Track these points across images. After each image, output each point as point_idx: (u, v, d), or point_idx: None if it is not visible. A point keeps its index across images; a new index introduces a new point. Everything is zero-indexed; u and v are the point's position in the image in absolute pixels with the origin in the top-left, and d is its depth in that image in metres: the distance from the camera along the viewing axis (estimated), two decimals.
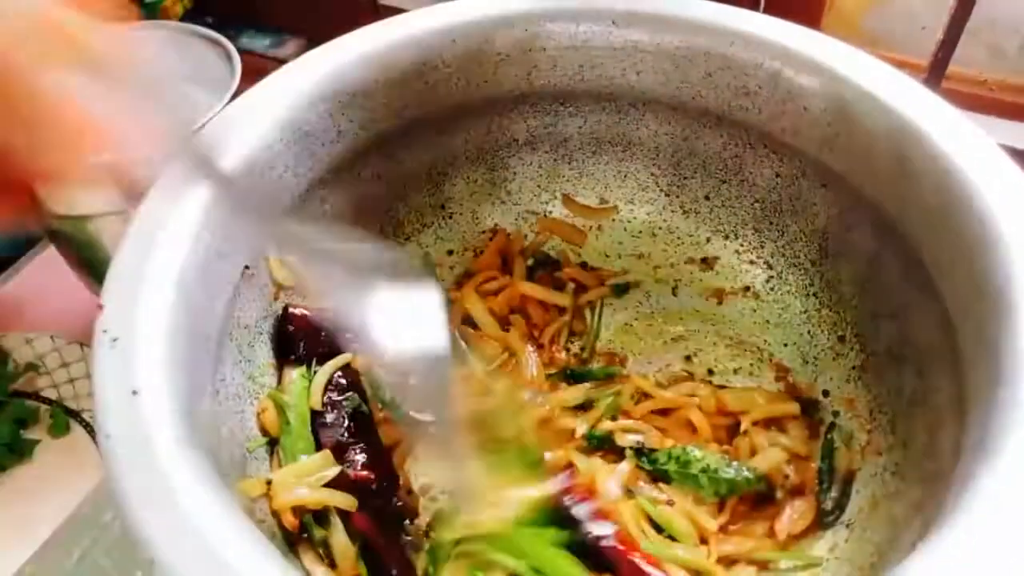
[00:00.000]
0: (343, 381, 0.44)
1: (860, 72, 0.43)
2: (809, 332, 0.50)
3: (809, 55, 0.44)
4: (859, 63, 0.43)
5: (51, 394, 0.70)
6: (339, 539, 0.39)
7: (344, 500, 0.40)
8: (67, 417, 0.68)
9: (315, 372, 0.44)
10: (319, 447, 0.42)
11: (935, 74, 0.66)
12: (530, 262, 0.55)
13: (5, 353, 0.71)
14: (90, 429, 0.68)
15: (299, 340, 0.45)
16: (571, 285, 0.54)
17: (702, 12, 0.47)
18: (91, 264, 0.61)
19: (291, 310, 0.45)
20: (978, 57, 0.69)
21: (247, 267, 0.41)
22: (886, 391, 0.44)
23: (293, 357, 0.44)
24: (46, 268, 0.84)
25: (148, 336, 0.32)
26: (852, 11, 0.70)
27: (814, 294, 0.50)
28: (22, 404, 0.69)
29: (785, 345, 0.50)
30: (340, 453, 0.42)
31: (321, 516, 0.40)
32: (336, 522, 0.39)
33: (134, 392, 0.30)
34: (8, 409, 0.68)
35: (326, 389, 0.43)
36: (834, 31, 0.65)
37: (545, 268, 0.54)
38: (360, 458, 0.42)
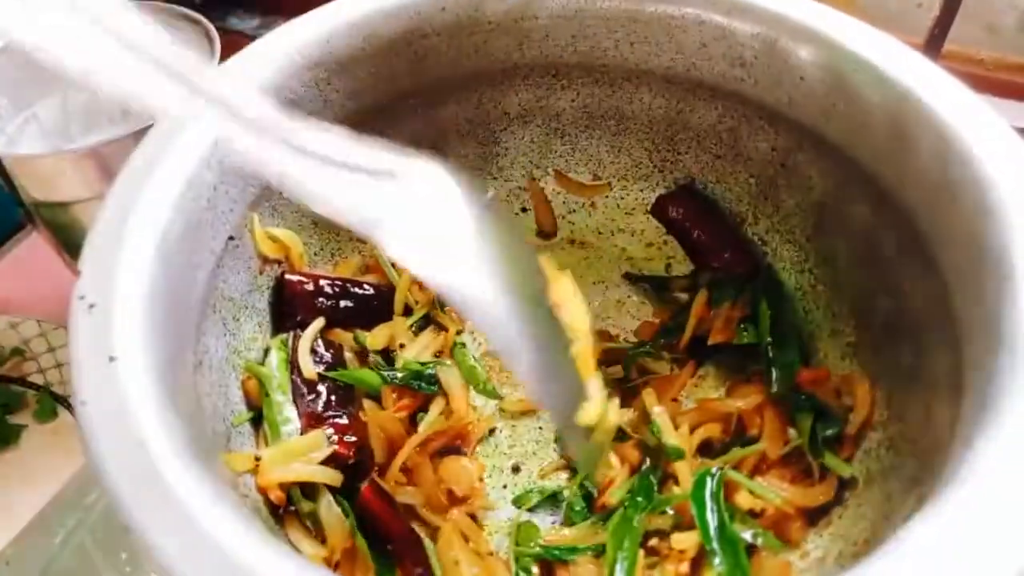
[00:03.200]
0: (327, 353, 0.44)
1: (858, 41, 0.42)
2: (804, 309, 0.49)
3: (805, 24, 0.43)
4: (856, 32, 0.42)
5: (38, 379, 0.69)
6: (329, 512, 0.38)
7: (331, 476, 0.39)
8: (54, 402, 0.67)
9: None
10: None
11: (930, 52, 0.66)
12: None
13: None
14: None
15: (296, 307, 0.44)
16: None
17: None
18: (73, 248, 0.61)
19: (287, 276, 0.45)
20: (974, 35, 0.68)
21: (231, 238, 0.40)
22: (882, 366, 0.44)
23: (290, 324, 0.44)
24: (32, 252, 0.83)
25: (126, 303, 0.31)
26: None
27: (809, 270, 0.49)
28: (7, 389, 0.68)
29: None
30: (316, 426, 0.41)
31: (309, 489, 0.39)
32: (326, 495, 0.38)
33: (111, 358, 0.29)
34: None
35: (312, 359, 0.43)
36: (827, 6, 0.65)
37: None
38: (336, 434, 0.41)
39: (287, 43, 0.42)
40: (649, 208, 0.54)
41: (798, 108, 0.45)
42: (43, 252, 0.84)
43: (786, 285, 0.50)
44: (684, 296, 0.51)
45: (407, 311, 0.49)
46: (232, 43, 0.74)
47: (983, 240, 0.35)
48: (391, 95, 0.47)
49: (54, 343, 0.71)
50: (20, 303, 0.77)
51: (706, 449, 0.46)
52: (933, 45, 0.66)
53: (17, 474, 0.63)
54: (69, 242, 0.60)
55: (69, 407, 0.68)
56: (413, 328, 0.49)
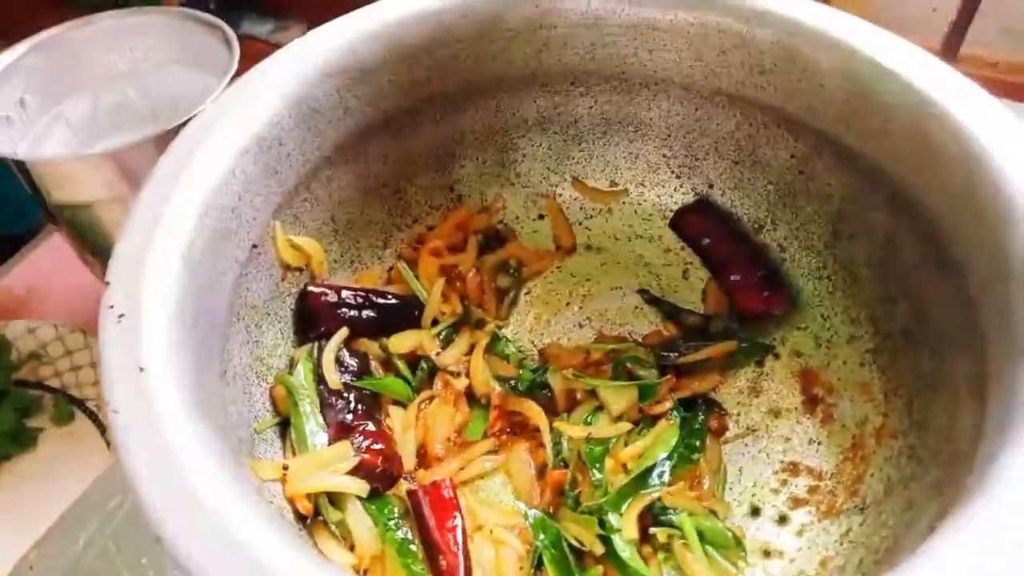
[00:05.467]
0: (353, 362, 0.44)
1: (878, 47, 0.42)
2: (823, 315, 0.49)
3: (825, 31, 0.43)
4: (877, 38, 0.42)
5: (54, 383, 0.69)
6: (358, 520, 0.38)
7: (358, 487, 0.39)
8: (71, 406, 0.68)
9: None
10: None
11: (947, 56, 0.66)
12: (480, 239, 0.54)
13: (8, 342, 0.71)
14: (94, 417, 0.67)
15: (318, 318, 0.44)
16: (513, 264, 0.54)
17: None
18: (95, 249, 0.61)
19: (310, 288, 0.45)
20: (990, 39, 0.68)
21: (254, 246, 0.41)
22: (901, 373, 0.44)
23: (313, 335, 0.44)
24: (50, 256, 0.83)
25: (154, 312, 0.32)
26: None
27: (828, 276, 0.49)
28: (25, 393, 0.69)
29: (798, 328, 0.50)
30: (344, 435, 0.41)
31: (336, 497, 0.39)
32: (353, 503, 0.39)
33: (141, 369, 0.30)
34: (11, 398, 0.68)
35: (338, 369, 0.43)
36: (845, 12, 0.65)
37: (499, 243, 0.54)
38: (365, 442, 0.41)
39: (311, 53, 0.43)
40: (666, 215, 0.54)
41: (818, 115, 0.45)
42: (61, 254, 0.84)
43: (804, 291, 0.50)
44: (699, 319, 0.51)
45: (433, 323, 0.49)
46: (245, 47, 0.75)
47: (1008, 249, 0.35)
48: (411, 101, 0.47)
49: (71, 347, 0.72)
50: (38, 305, 0.78)
51: None
52: (949, 49, 0.66)
53: (36, 477, 0.63)
54: (90, 242, 0.60)
55: (86, 411, 0.68)
56: (440, 337, 0.49)
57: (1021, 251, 0.34)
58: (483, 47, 0.47)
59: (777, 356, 0.49)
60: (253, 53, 0.75)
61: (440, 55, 0.46)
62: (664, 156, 0.53)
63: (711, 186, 0.53)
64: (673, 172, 0.54)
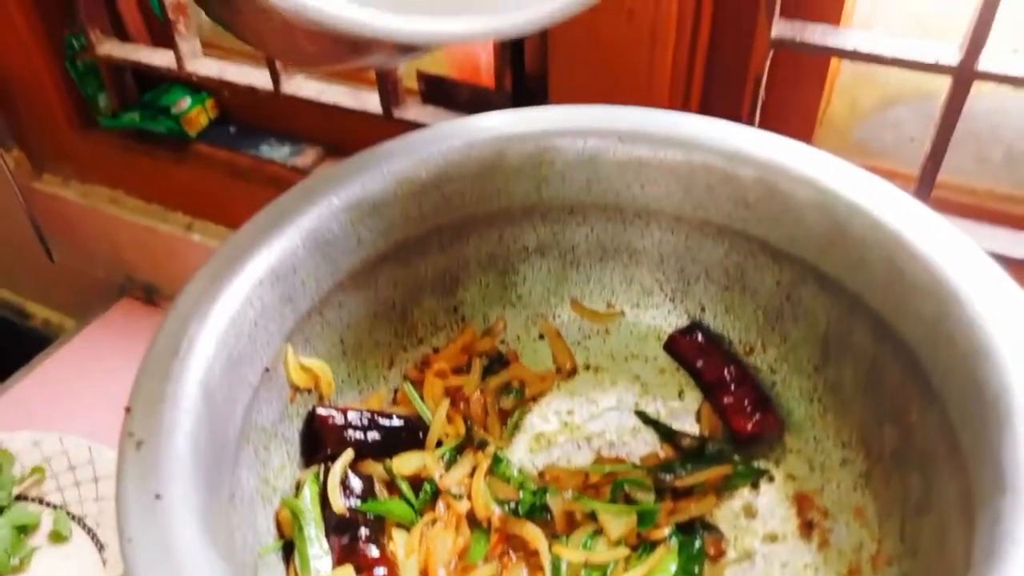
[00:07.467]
0: (358, 484, 0.45)
1: (850, 185, 0.45)
2: (815, 438, 0.50)
3: (802, 170, 0.46)
4: (849, 177, 0.46)
5: (56, 498, 0.69)
6: None
7: None
8: (70, 522, 0.67)
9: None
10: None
11: (925, 183, 0.69)
12: (485, 361, 0.56)
13: (11, 456, 0.71)
14: (93, 536, 0.67)
15: (325, 440, 0.46)
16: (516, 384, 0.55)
17: (702, 129, 0.49)
18: None
19: (318, 411, 0.47)
20: (965, 166, 0.71)
21: (267, 369, 0.42)
22: (893, 497, 0.44)
23: (320, 457, 0.45)
24: (58, 367, 0.85)
25: (172, 440, 0.33)
26: (844, 123, 0.74)
27: (818, 399, 0.50)
28: (25, 510, 0.68)
29: (791, 451, 0.51)
30: (348, 559, 0.42)
31: None
32: None
33: (157, 496, 0.31)
34: (9, 514, 0.67)
35: (343, 492, 0.44)
36: (826, 142, 0.68)
37: (501, 365, 0.56)
38: (368, 567, 0.41)
39: (326, 187, 0.46)
40: (660, 337, 0.56)
41: (799, 245, 0.48)
42: (70, 367, 0.86)
43: (795, 414, 0.51)
44: (694, 442, 0.52)
45: (437, 444, 0.50)
46: (264, 171, 0.79)
47: (982, 380, 0.36)
48: (418, 232, 0.51)
49: (75, 461, 0.72)
50: (45, 417, 0.79)
51: None
52: (926, 177, 0.69)
53: None
54: None
55: (85, 528, 0.68)
56: (444, 458, 0.50)
57: (994, 384, 0.35)
58: (486, 182, 0.50)
59: (772, 479, 0.50)
60: (271, 175, 0.79)
61: (447, 190, 0.50)
62: (657, 280, 0.56)
63: (703, 309, 0.55)
64: (667, 295, 0.56)
